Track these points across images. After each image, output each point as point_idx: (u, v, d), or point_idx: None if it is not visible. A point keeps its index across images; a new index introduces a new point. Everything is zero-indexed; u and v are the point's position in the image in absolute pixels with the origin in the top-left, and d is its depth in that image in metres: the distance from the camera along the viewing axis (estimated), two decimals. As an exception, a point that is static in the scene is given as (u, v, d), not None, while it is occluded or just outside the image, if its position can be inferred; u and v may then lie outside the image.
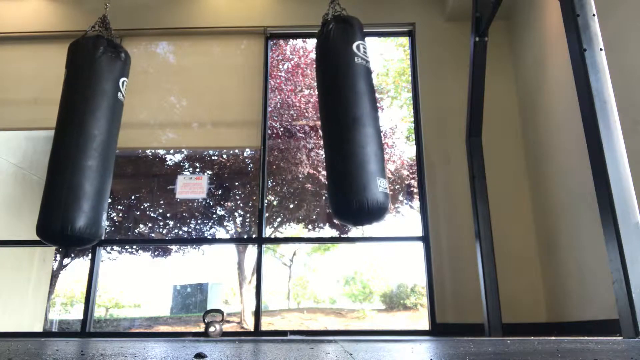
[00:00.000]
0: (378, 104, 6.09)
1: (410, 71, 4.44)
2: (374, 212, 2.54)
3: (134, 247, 5.87)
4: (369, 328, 5.56)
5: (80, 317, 3.76)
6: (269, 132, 4.65)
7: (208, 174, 5.45)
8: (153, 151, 5.34)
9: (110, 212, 5.37)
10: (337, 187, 2.61)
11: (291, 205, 5.73)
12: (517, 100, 4.16)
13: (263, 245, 3.99)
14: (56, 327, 5.49)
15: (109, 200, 3.22)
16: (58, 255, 5.71)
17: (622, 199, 1.91)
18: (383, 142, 6.07)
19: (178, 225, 5.62)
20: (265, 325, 4.73)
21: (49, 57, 4.38)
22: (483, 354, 1.04)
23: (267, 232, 5.49)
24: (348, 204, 2.54)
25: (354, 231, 5.68)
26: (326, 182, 2.91)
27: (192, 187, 4.19)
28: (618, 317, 1.88)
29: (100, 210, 2.77)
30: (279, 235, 5.84)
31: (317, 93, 2.97)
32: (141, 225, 5.58)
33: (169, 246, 5.79)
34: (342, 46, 2.80)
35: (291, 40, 5.63)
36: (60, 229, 2.59)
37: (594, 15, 2.14)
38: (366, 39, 2.93)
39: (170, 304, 5.77)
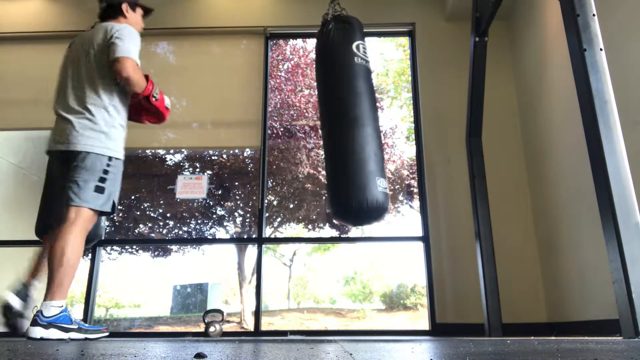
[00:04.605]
0: (378, 104, 6.10)
1: (410, 71, 4.44)
2: (373, 212, 2.54)
3: (134, 247, 5.87)
4: (369, 328, 5.56)
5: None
6: (269, 132, 4.65)
7: (208, 174, 5.45)
8: (153, 151, 5.34)
9: (110, 212, 5.35)
10: (336, 187, 2.61)
11: (291, 205, 5.74)
12: (517, 100, 4.16)
13: (263, 245, 3.99)
14: (56, 327, 5.48)
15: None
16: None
17: (622, 199, 1.91)
18: (383, 142, 6.07)
19: (178, 225, 5.62)
20: (265, 325, 4.74)
21: (50, 57, 4.36)
22: (483, 354, 1.04)
23: (267, 232, 5.49)
24: (347, 204, 2.53)
25: (354, 231, 5.68)
26: (325, 182, 2.90)
27: (192, 187, 4.19)
28: (618, 317, 1.88)
29: None
30: (279, 235, 5.85)
31: (317, 93, 2.97)
32: (141, 225, 5.58)
33: (169, 246, 5.79)
34: (342, 46, 2.81)
35: (291, 40, 5.63)
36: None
37: (594, 15, 2.13)
38: (366, 39, 2.93)
39: (170, 304, 5.77)
